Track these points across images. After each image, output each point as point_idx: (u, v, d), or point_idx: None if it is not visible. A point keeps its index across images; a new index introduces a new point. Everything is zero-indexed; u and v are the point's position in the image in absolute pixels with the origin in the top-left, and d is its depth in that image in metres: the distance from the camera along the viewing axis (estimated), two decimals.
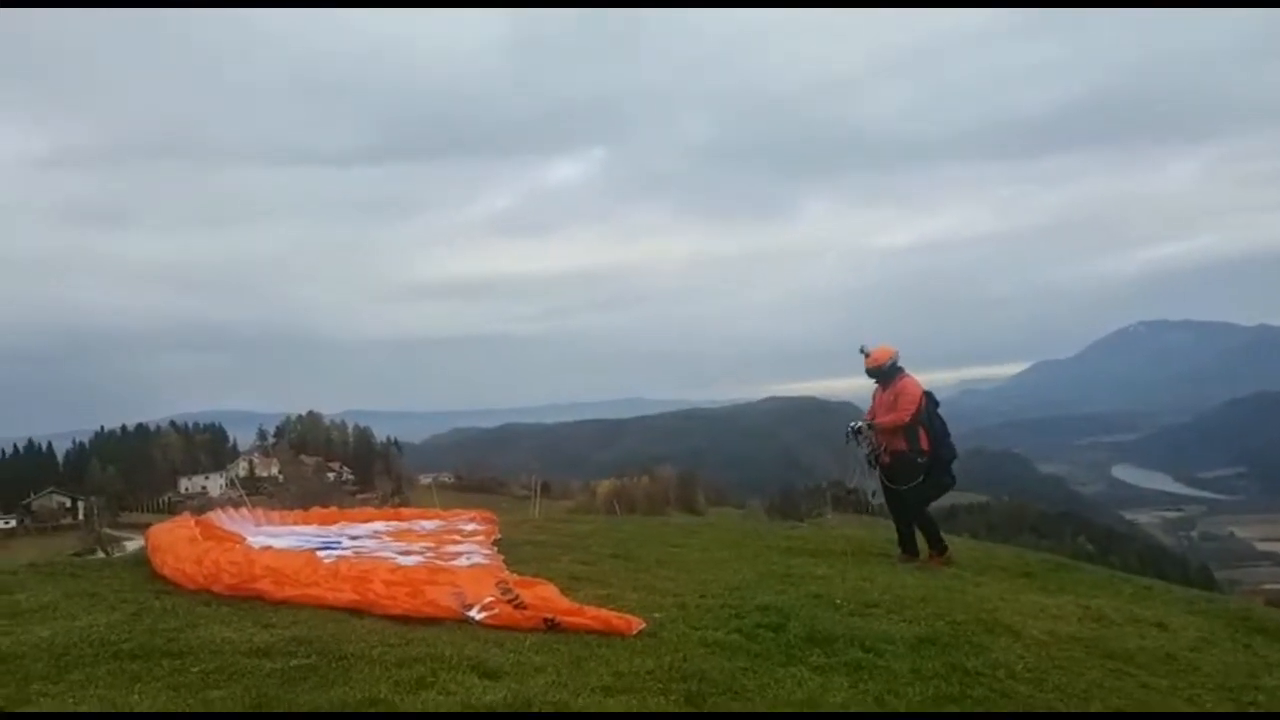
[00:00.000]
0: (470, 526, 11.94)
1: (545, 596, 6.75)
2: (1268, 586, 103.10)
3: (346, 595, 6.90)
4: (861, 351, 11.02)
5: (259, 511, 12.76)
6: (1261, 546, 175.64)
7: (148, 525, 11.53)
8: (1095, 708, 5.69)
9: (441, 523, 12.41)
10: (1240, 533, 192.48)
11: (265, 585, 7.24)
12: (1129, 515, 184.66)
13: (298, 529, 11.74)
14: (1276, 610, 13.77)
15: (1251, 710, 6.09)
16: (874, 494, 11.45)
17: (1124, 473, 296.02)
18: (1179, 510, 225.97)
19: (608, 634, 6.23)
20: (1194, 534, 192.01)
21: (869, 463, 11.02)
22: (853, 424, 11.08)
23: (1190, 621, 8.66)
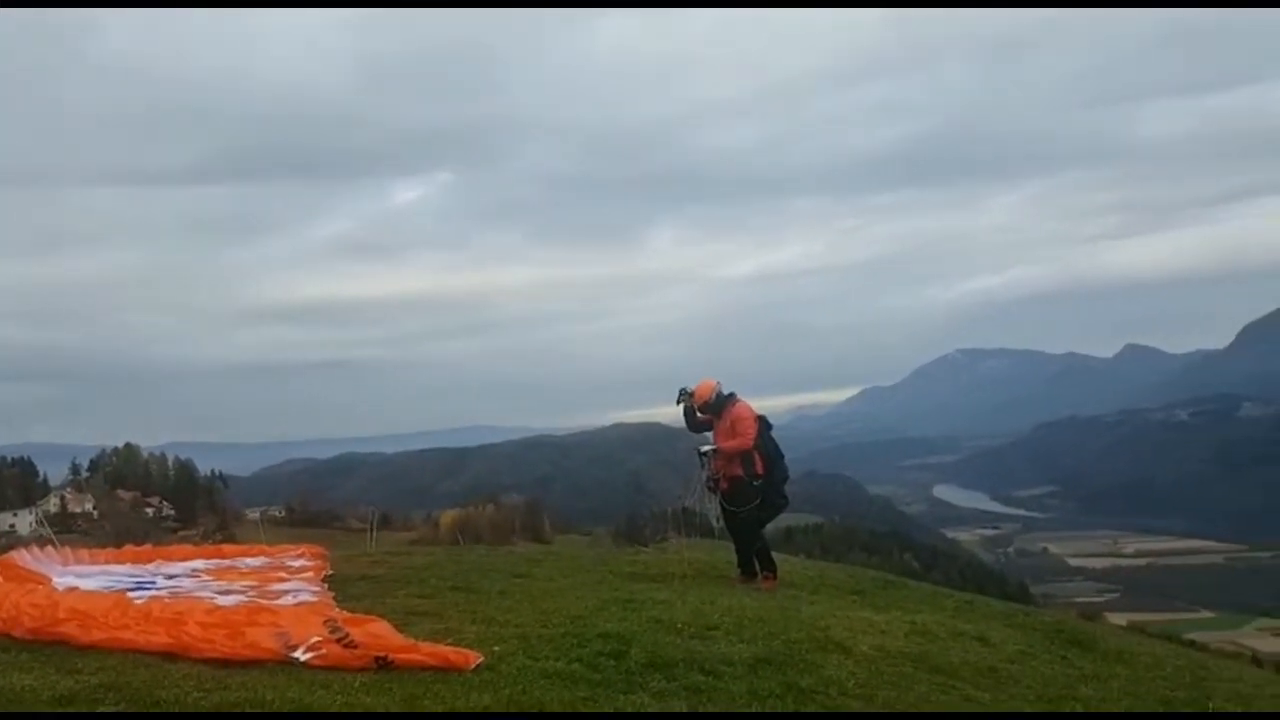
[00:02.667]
0: (298, 563, 11.46)
1: (377, 634, 6.48)
2: (1079, 600, 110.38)
3: (159, 638, 6.46)
4: (684, 392, 11.23)
5: (67, 550, 11.89)
6: (1073, 562, 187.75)
7: None
8: None
9: (267, 559, 11.88)
10: (1054, 549, 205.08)
11: (70, 629, 6.72)
12: (950, 533, 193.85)
13: (109, 568, 11.00)
14: (1088, 623, 14.67)
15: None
16: (716, 518, 11.63)
17: (945, 492, 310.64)
18: (996, 528, 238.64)
19: (444, 670, 6.03)
20: (1010, 550, 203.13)
21: (709, 488, 11.19)
22: (701, 448, 11.25)
23: (1010, 635, 9.12)
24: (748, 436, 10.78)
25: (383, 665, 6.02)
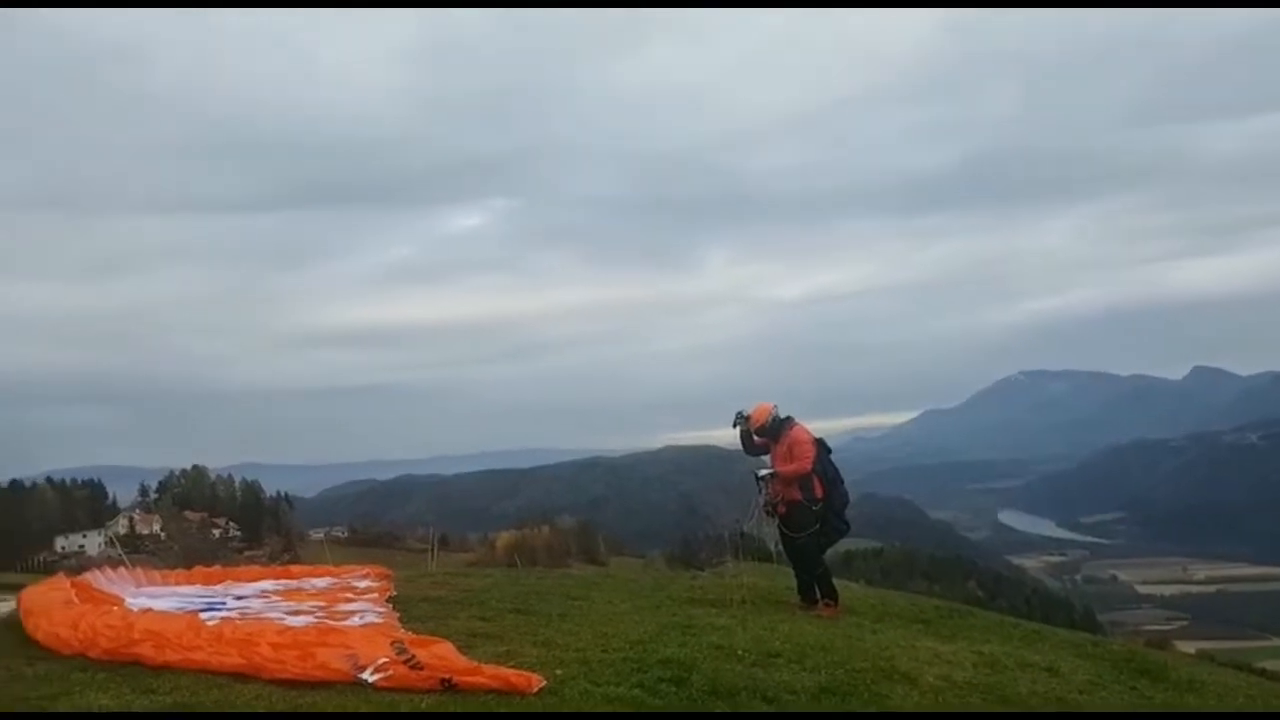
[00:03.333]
0: (364, 583, 11.59)
1: (442, 655, 6.56)
2: (1148, 628, 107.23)
3: (231, 659, 6.60)
4: (740, 416, 11.18)
5: (139, 571, 12.15)
6: (1142, 589, 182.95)
7: (21, 587, 10.90)
8: None
9: (333, 580, 12.03)
10: (1122, 576, 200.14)
11: (145, 649, 6.89)
12: (1015, 560, 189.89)
13: (180, 589, 11.23)
14: (1158, 651, 14.27)
15: None
16: (775, 543, 11.55)
17: (1010, 518, 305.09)
18: (1063, 555, 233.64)
19: (507, 693, 6.08)
20: (1078, 578, 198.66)
21: (767, 512, 11.12)
22: (759, 471, 11.18)
23: (1079, 665, 8.92)
24: (805, 460, 10.69)
25: (448, 687, 6.09)
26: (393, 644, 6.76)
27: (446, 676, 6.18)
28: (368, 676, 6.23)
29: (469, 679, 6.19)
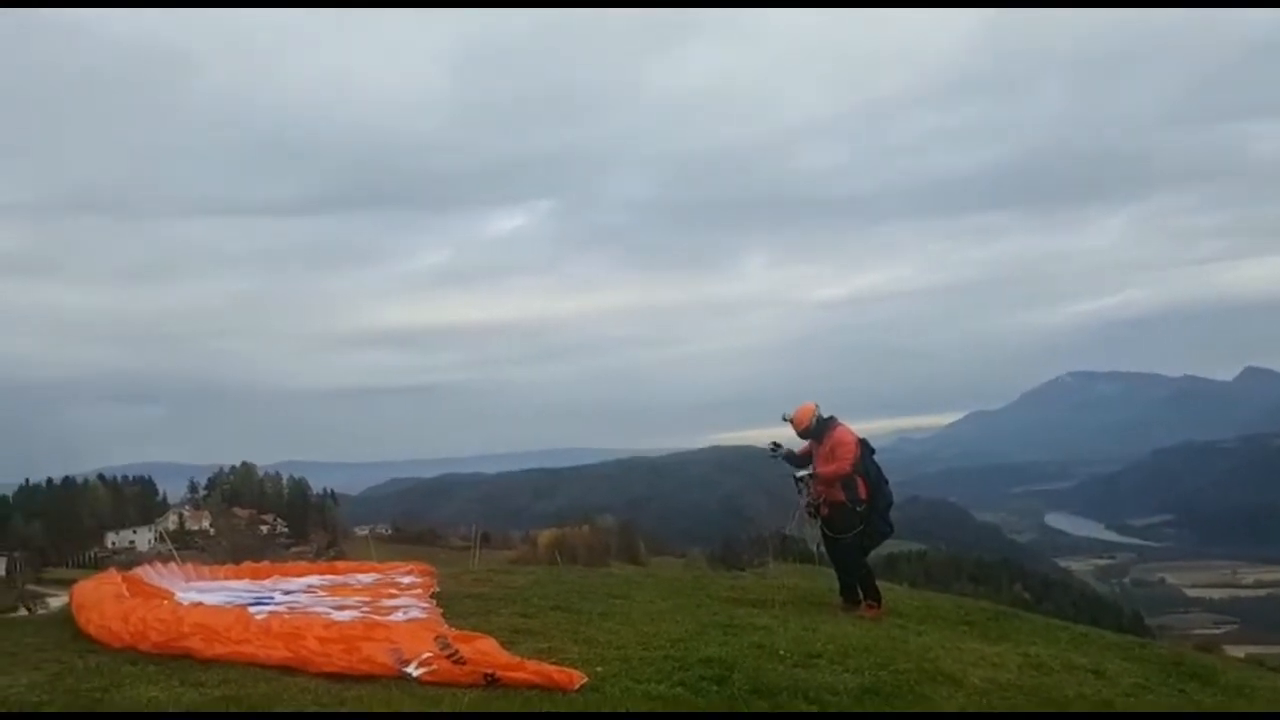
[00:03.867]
0: (408, 580, 11.71)
1: (485, 651, 6.61)
2: (1197, 632, 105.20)
3: (279, 653, 6.69)
4: (785, 419, 11.15)
5: (188, 566, 12.39)
6: (1191, 593, 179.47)
7: (73, 581, 11.15)
8: None
9: (378, 576, 12.16)
10: (1171, 579, 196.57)
11: (194, 643, 7.01)
12: (1063, 563, 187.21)
13: (228, 584, 11.42)
14: (1207, 655, 14.00)
15: None
16: (817, 544, 11.49)
17: (1057, 520, 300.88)
18: (1111, 558, 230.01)
19: (549, 689, 6.11)
20: (1126, 581, 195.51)
21: (810, 513, 11.06)
22: (797, 473, 11.13)
23: (1126, 668, 8.78)
24: (845, 461, 10.60)
25: (491, 682, 6.13)
26: (436, 639, 6.83)
27: (489, 672, 6.22)
28: (412, 670, 6.30)
29: (511, 674, 6.23)
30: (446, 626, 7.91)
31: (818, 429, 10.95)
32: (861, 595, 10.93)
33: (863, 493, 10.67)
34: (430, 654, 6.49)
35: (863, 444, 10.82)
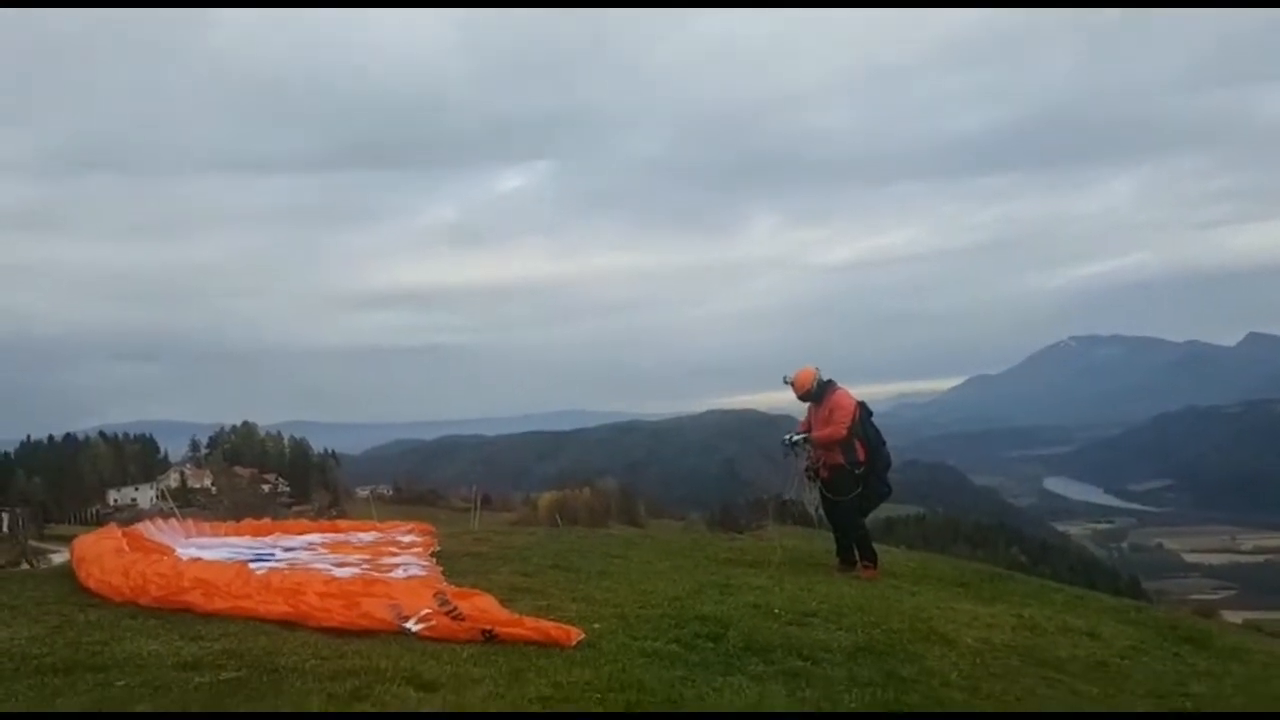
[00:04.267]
0: (408, 538, 11.79)
1: (483, 608, 6.67)
2: (1195, 597, 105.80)
3: (279, 608, 6.75)
4: (785, 382, 11.17)
5: (189, 523, 12.47)
6: (1189, 558, 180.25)
7: (75, 537, 11.21)
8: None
9: (378, 535, 12.24)
10: (1169, 544, 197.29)
11: (194, 597, 7.07)
12: (1060, 527, 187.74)
13: (229, 540, 11.50)
14: (1204, 619, 14.12)
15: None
16: (816, 508, 11.56)
17: (1056, 485, 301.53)
18: (1109, 522, 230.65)
19: (547, 645, 6.17)
20: (1124, 546, 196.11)
21: (809, 476, 11.13)
22: (787, 436, 11.20)
23: (1121, 630, 8.86)
24: (841, 425, 10.64)
25: (489, 638, 6.20)
26: (435, 596, 6.89)
27: (488, 628, 6.28)
28: (411, 626, 6.36)
29: (510, 630, 6.29)
30: (446, 584, 7.97)
31: (818, 392, 11.00)
32: (858, 556, 11.02)
33: (861, 455, 10.75)
34: (429, 610, 6.55)
35: (861, 407, 10.87)
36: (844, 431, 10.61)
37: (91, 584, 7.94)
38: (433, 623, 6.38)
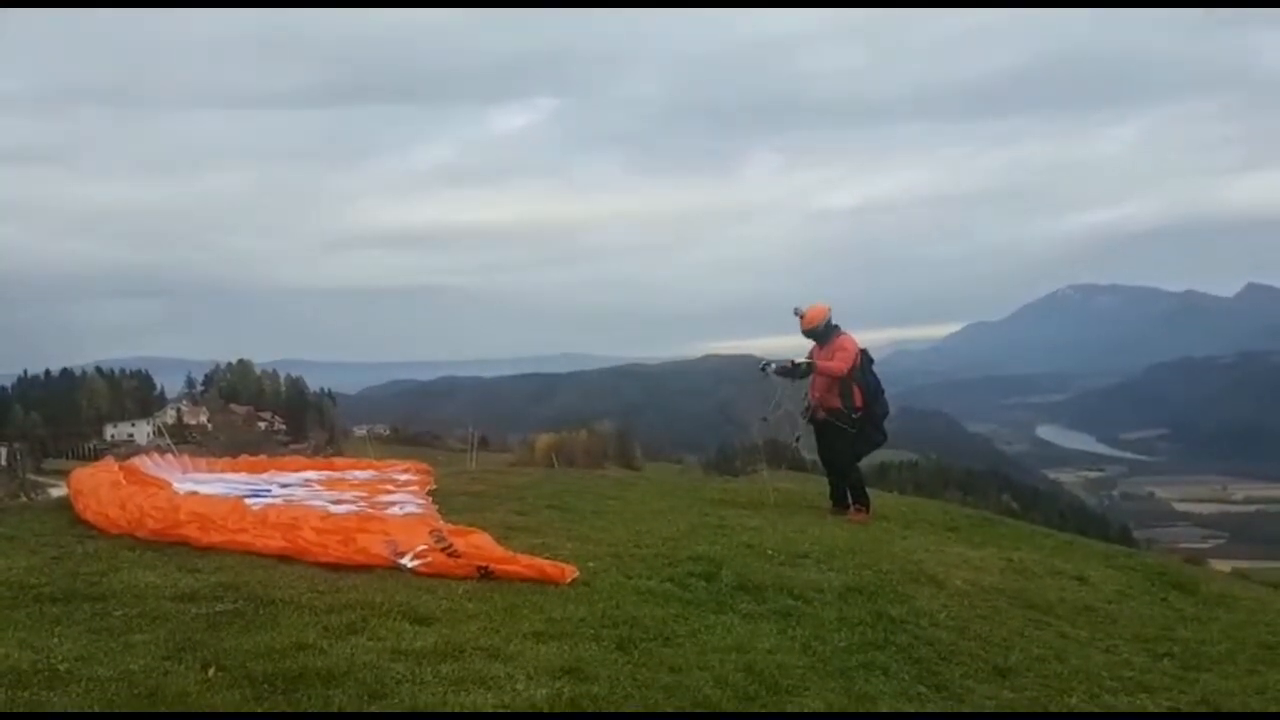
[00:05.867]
0: (404, 477, 11.83)
1: (479, 545, 6.71)
2: (1184, 545, 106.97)
3: (275, 542, 6.79)
4: (796, 313, 11.15)
5: (185, 458, 12.49)
6: (1180, 507, 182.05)
7: (72, 471, 11.24)
8: (1016, 656, 5.86)
9: (375, 473, 12.28)
10: (1160, 493, 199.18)
11: (190, 531, 7.10)
12: (1052, 474, 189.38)
13: (226, 476, 11.52)
14: (1193, 566, 14.27)
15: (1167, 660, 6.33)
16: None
17: (1048, 433, 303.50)
18: (1101, 470, 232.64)
19: (542, 582, 6.24)
20: (1115, 494, 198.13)
21: (805, 419, 11.19)
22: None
23: (1109, 575, 8.98)
24: (844, 364, 10.65)
25: (484, 575, 6.26)
26: (431, 533, 6.93)
27: (483, 565, 6.34)
28: (407, 562, 6.41)
29: (505, 568, 6.35)
30: (442, 522, 8.01)
31: (824, 332, 10.99)
32: (851, 500, 11.11)
33: (858, 402, 10.78)
34: (425, 547, 6.59)
35: (863, 353, 10.89)
36: (844, 369, 10.62)
37: (89, 516, 7.97)
38: (429, 559, 6.42)
